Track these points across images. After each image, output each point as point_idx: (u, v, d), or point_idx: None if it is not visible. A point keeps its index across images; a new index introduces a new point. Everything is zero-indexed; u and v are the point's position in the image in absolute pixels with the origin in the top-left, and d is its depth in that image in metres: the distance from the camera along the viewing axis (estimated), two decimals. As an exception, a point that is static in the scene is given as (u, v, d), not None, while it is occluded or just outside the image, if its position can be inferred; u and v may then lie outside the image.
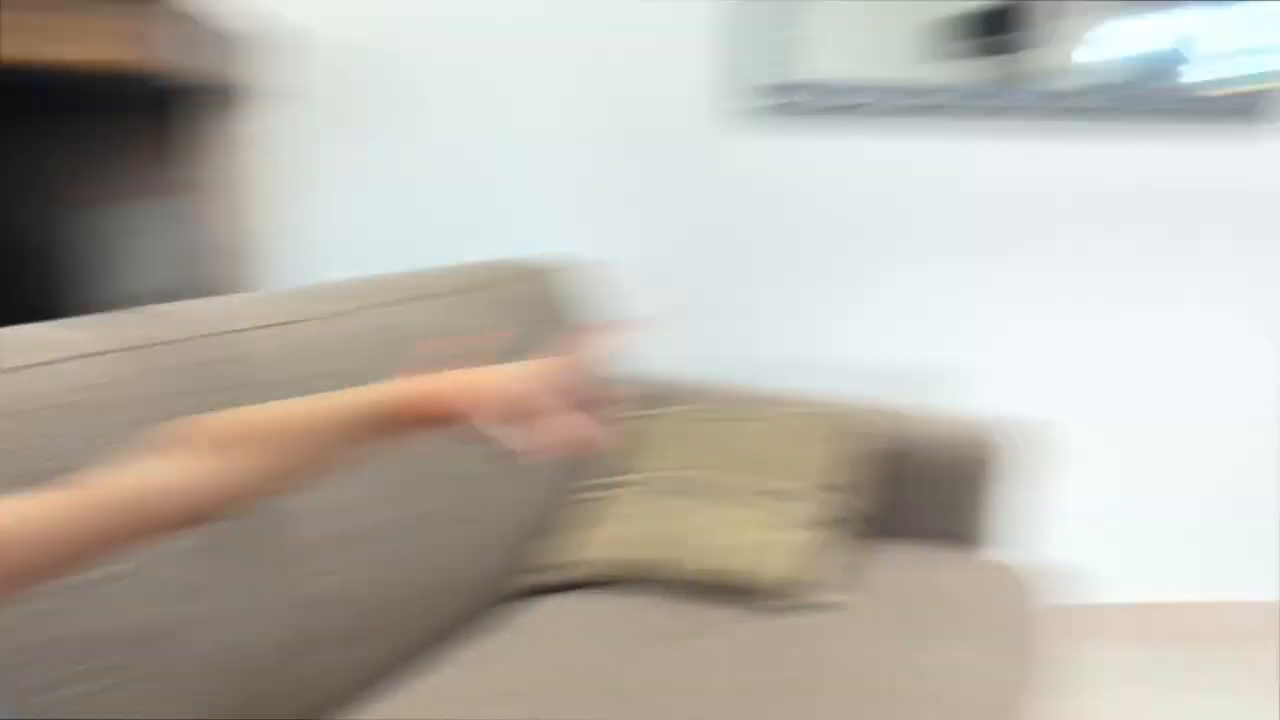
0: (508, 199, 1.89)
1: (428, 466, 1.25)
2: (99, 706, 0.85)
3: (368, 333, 1.23)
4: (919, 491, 1.57)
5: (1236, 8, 1.93)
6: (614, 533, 1.43)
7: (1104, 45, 1.92)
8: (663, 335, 1.96)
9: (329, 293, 1.26)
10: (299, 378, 1.11)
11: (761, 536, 1.40)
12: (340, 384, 1.12)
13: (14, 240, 1.93)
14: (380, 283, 1.35)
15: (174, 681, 0.92)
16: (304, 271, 1.96)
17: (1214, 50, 1.94)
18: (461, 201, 1.89)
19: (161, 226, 1.88)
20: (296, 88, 1.88)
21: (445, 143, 1.87)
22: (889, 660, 1.19)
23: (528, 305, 1.54)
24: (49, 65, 1.39)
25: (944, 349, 2.01)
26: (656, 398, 1.69)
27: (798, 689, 1.11)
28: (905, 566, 1.46)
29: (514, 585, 1.39)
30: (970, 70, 1.88)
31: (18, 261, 1.93)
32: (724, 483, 1.49)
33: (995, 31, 1.88)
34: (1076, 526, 2.14)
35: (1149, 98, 1.93)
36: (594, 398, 0.70)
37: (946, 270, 1.99)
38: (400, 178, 1.89)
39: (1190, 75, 1.94)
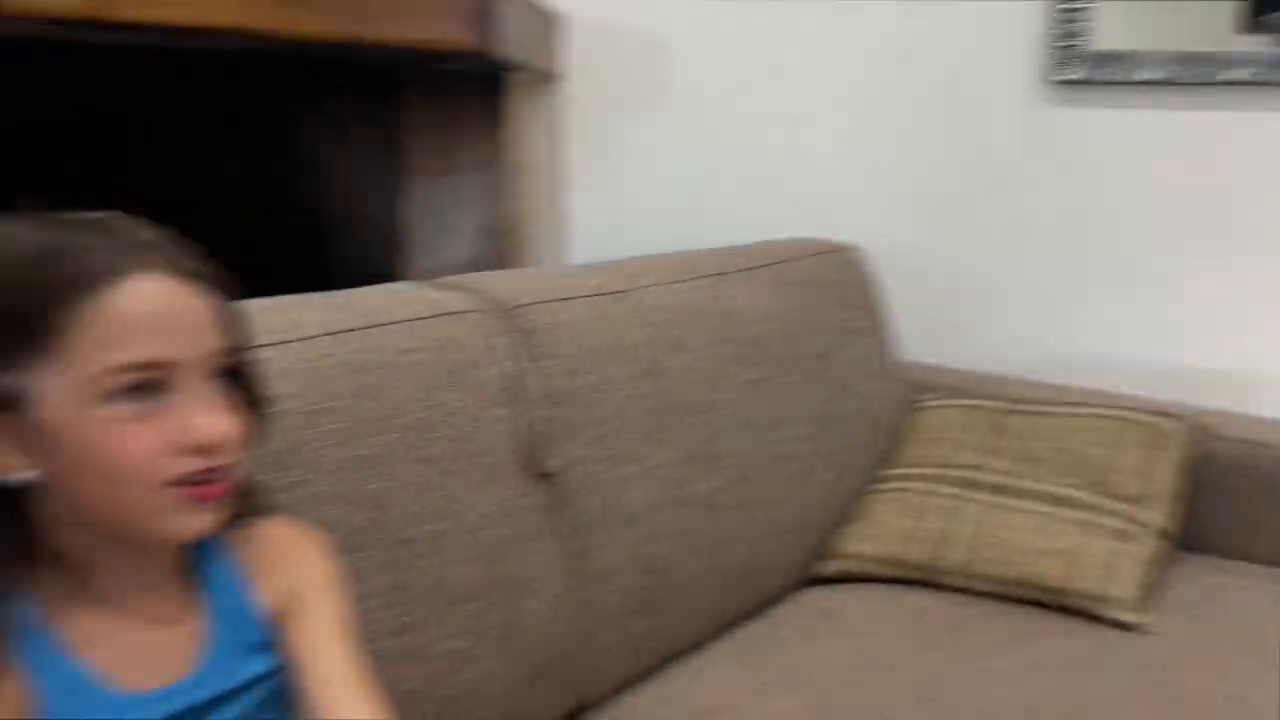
0: (785, 181, 1.85)
1: (724, 443, 1.25)
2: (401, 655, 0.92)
3: (675, 306, 1.25)
4: (1231, 504, 1.42)
5: None
6: (899, 527, 1.37)
7: None
8: (950, 326, 1.86)
9: (635, 268, 1.28)
10: (610, 347, 1.14)
11: (1071, 544, 1.29)
12: (650, 354, 1.18)
13: (345, 210, 2.13)
14: (680, 258, 1.36)
15: (478, 640, 0.98)
16: (591, 248, 2.03)
17: None
18: (741, 182, 1.87)
19: (468, 201, 2.00)
20: (586, 70, 1.94)
21: (723, 124, 1.87)
22: (1222, 691, 1.07)
23: (830, 284, 1.51)
24: (389, 43, 1.51)
25: (1265, 353, 1.76)
26: (946, 389, 1.61)
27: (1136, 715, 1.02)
28: (1223, 586, 1.32)
29: (802, 573, 1.37)
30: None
31: (348, 229, 2.12)
32: (1020, 484, 1.39)
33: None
34: None
35: None
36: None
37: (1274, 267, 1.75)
38: (681, 158, 1.90)
39: None
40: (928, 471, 1.45)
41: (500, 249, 2.00)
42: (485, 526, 0.98)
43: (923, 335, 1.74)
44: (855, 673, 1.12)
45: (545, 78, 1.89)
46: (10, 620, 0.59)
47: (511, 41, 1.73)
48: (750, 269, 1.40)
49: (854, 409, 1.47)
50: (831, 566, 1.38)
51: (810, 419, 1.39)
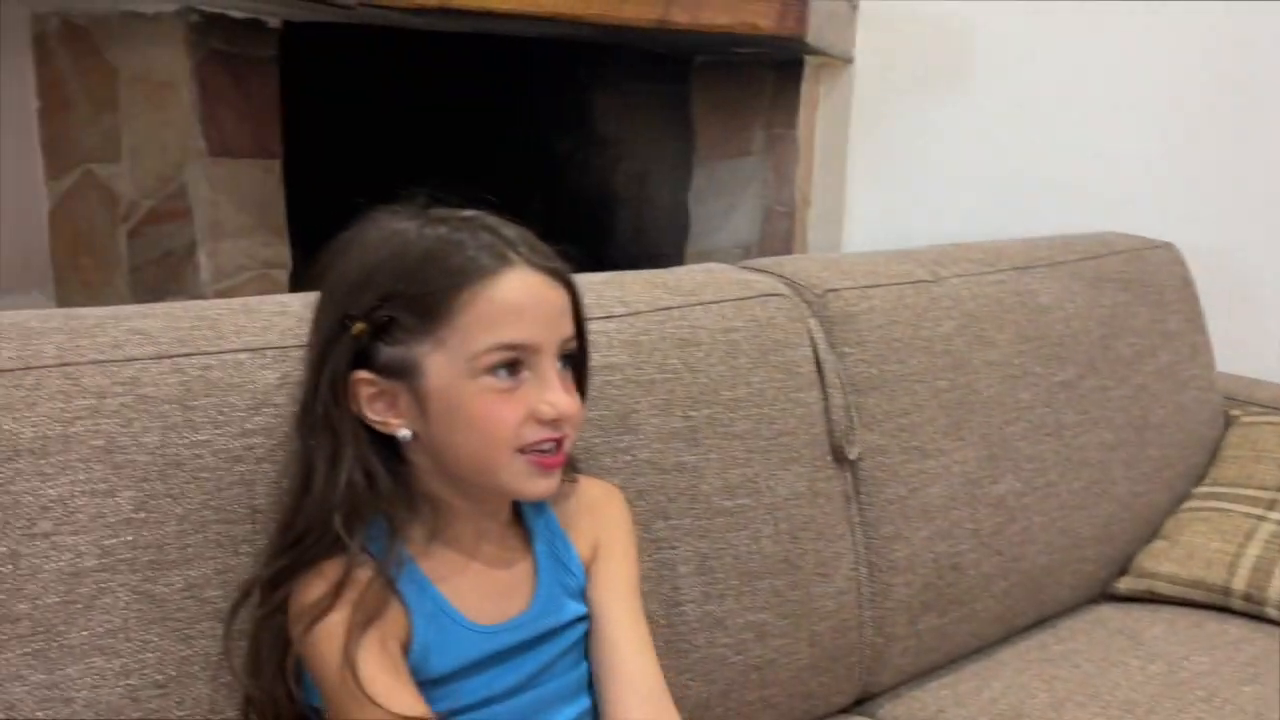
0: (1090, 173, 1.73)
1: (1025, 445, 1.21)
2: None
3: (982, 298, 1.21)
4: None
5: None
6: (1208, 550, 1.27)
7: None
8: (1273, 335, 1.69)
9: (940, 256, 1.25)
10: (914, 337, 1.13)
11: None
12: (956, 347, 1.15)
13: (633, 190, 2.20)
14: (985, 249, 1.32)
15: (777, 616, 0.99)
16: (867, 236, 2.00)
17: None
18: (1040, 173, 1.78)
19: (751, 184, 2.02)
20: (876, 53, 1.90)
21: (1025, 111, 1.77)
22: None
23: (1145, 284, 1.41)
24: (702, 29, 1.54)
25: None
26: (1267, 404, 1.47)
27: None
28: None
29: (1096, 588, 1.30)
30: None
31: (635, 209, 2.20)
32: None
33: None
34: None
35: None
36: None
37: None
38: (975, 146, 1.83)
39: None
40: (1243, 493, 1.33)
41: (778, 232, 2.01)
42: (788, 506, 1.00)
43: (1240, 344, 1.59)
44: (1162, 698, 1.06)
45: (841, 62, 1.87)
46: (399, 552, 0.67)
47: (817, 26, 1.73)
48: (1057, 264, 1.34)
49: (1164, 419, 1.37)
50: (1128, 584, 1.30)
51: (1116, 426, 1.31)
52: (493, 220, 0.70)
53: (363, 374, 0.67)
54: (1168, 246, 1.51)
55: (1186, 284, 1.48)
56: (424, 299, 0.65)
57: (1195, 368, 1.44)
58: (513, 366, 0.66)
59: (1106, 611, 1.27)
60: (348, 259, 0.68)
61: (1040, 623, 1.25)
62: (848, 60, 1.92)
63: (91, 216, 1.51)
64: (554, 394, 0.67)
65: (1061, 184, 1.75)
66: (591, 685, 0.75)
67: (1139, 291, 1.40)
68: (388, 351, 0.67)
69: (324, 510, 0.66)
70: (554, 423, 0.67)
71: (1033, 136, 1.77)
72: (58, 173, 1.53)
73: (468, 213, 0.71)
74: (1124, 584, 1.30)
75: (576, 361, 0.72)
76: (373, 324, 0.66)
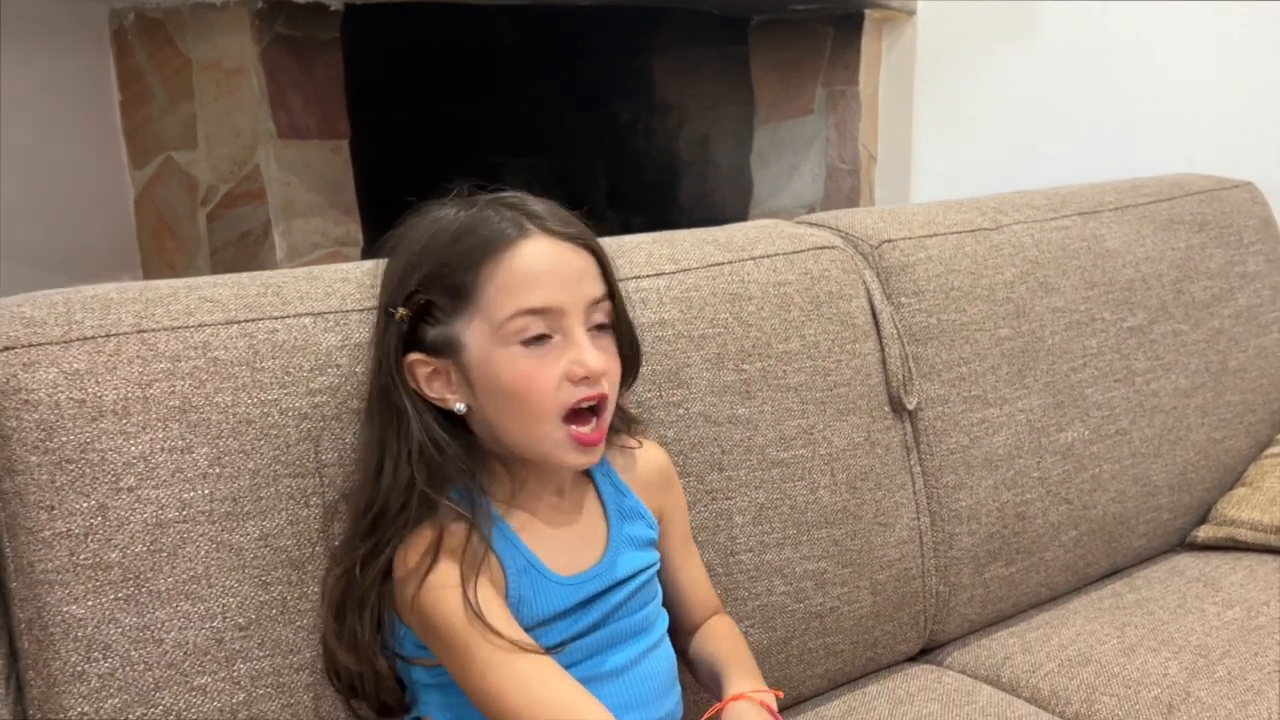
0: (1165, 115, 1.68)
1: (1093, 392, 1.19)
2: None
3: (1044, 244, 1.19)
4: None
5: None
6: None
7: None
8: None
9: (1001, 203, 1.23)
10: (974, 285, 1.11)
11: None
12: (1017, 294, 1.14)
13: (695, 153, 2.20)
14: (1049, 195, 1.29)
15: (837, 564, 1.00)
16: (934, 188, 1.96)
17: None
18: (1111, 117, 1.72)
19: (814, 141, 2.00)
20: (938, 4, 1.86)
21: (1096, 54, 1.72)
22: None
23: (1221, 225, 1.36)
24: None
25: None
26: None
27: None
28: None
29: (1173, 536, 1.27)
30: None
31: (699, 171, 2.20)
32: None
33: None
34: None
35: None
36: None
37: None
38: (1042, 92, 1.78)
39: None
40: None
41: (842, 191, 1.99)
42: (845, 456, 1.01)
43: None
44: (1238, 642, 1.03)
45: (904, 14, 1.84)
46: (485, 509, 0.72)
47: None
48: (1126, 207, 1.30)
49: (1243, 363, 1.33)
50: (1208, 531, 1.27)
51: (1191, 372, 1.28)
52: (520, 197, 0.74)
53: (415, 356, 0.71)
54: (1247, 186, 1.45)
55: (1267, 224, 1.43)
56: (453, 277, 0.70)
57: (1277, 310, 1.39)
58: (542, 338, 0.70)
59: (1185, 560, 1.25)
60: (394, 253, 0.74)
61: (1114, 572, 1.24)
62: (910, 12, 1.89)
63: (173, 202, 1.58)
64: (582, 353, 0.70)
65: (1137, 128, 1.70)
66: (657, 622, 0.80)
67: (1215, 233, 1.36)
68: (432, 332, 0.71)
69: (401, 483, 0.70)
70: (588, 380, 0.70)
71: (1104, 80, 1.72)
72: (140, 162, 1.60)
73: (503, 194, 0.75)
74: (1203, 532, 1.27)
75: (614, 325, 0.75)
76: (413, 308, 0.71)
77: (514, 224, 0.71)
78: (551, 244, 0.71)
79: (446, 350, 0.71)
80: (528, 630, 0.71)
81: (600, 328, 0.73)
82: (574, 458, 0.72)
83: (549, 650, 0.71)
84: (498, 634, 0.67)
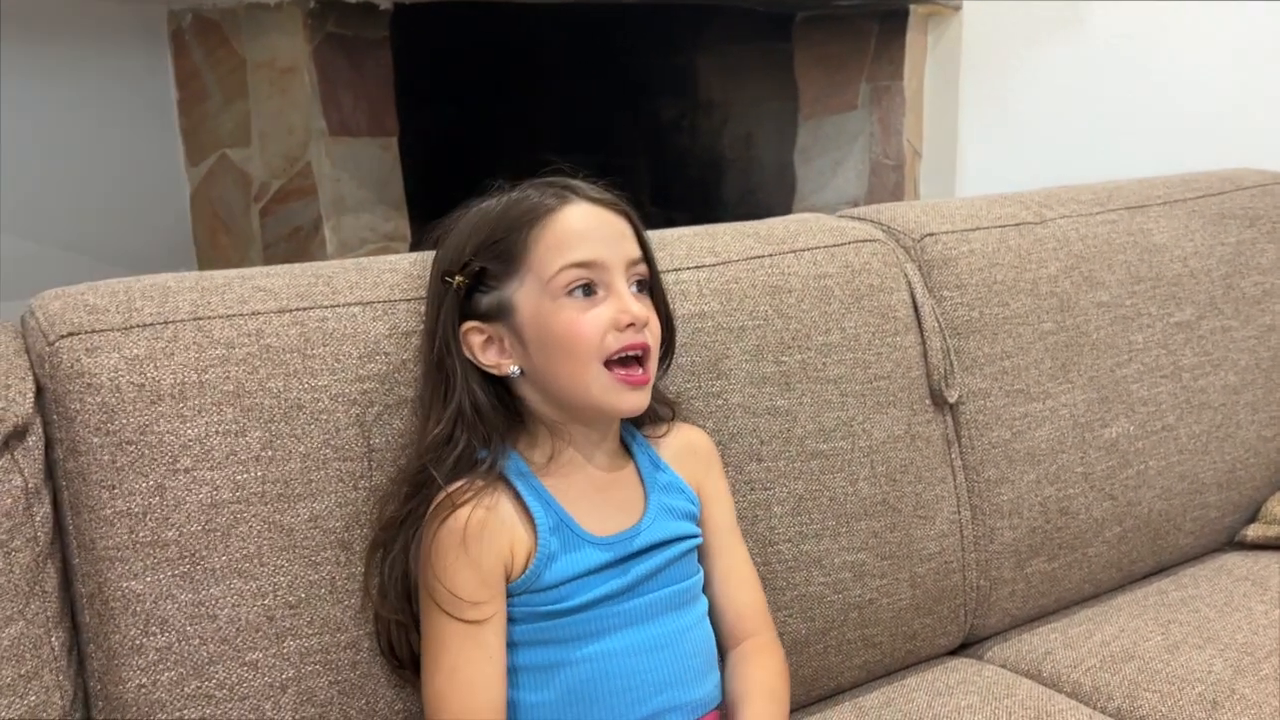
0: (1204, 107, 1.65)
1: (1139, 387, 1.18)
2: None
3: (1089, 239, 1.18)
4: None
5: None
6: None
7: None
8: None
9: (1046, 198, 1.23)
10: (1017, 279, 1.11)
11: None
12: (1061, 288, 1.13)
13: (739, 150, 2.21)
14: (1095, 189, 1.28)
15: (876, 557, 1.01)
16: (981, 183, 1.95)
17: None
18: (1163, 112, 1.70)
19: (858, 137, 2.00)
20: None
21: (1148, 48, 1.69)
22: None
23: (1273, 219, 1.34)
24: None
25: None
26: None
27: None
28: None
29: (1220, 535, 1.26)
30: None
31: (743, 167, 2.21)
32: None
33: None
34: None
35: None
36: None
37: None
38: (1091, 87, 1.76)
39: None
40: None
41: (886, 186, 1.98)
42: (885, 449, 1.01)
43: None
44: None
45: (950, 9, 1.83)
46: (502, 465, 0.76)
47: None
48: (1175, 201, 1.29)
49: (1296, 360, 1.31)
50: (1258, 530, 1.25)
51: (1241, 368, 1.26)
52: (558, 174, 0.79)
53: (471, 324, 0.76)
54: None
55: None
56: (503, 243, 0.75)
57: (1332, 306, 1.36)
58: (587, 289, 0.75)
59: (1233, 559, 1.23)
60: (446, 235, 0.79)
61: (1160, 570, 1.22)
62: (955, 7, 1.88)
63: (228, 198, 1.63)
64: (626, 301, 0.75)
65: (1187, 122, 1.68)
66: (698, 600, 0.82)
67: (1267, 228, 1.34)
68: (485, 299, 0.76)
69: (439, 441, 0.75)
70: (632, 326, 0.75)
71: (1154, 74, 1.70)
72: (196, 159, 1.65)
73: (543, 178, 0.79)
74: (1253, 531, 1.25)
75: (652, 286, 0.80)
76: (467, 275, 0.75)
77: (556, 194, 0.77)
78: (592, 207, 0.77)
79: (499, 314, 0.76)
80: (557, 587, 0.74)
81: (640, 287, 0.78)
82: (623, 399, 0.76)
83: (579, 609, 0.74)
84: (457, 596, 0.72)
